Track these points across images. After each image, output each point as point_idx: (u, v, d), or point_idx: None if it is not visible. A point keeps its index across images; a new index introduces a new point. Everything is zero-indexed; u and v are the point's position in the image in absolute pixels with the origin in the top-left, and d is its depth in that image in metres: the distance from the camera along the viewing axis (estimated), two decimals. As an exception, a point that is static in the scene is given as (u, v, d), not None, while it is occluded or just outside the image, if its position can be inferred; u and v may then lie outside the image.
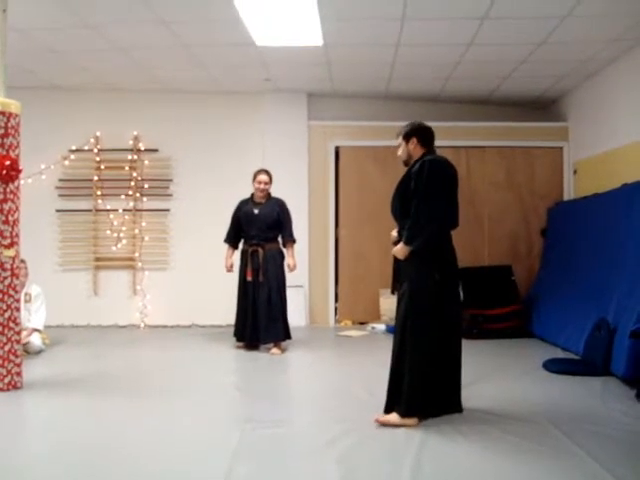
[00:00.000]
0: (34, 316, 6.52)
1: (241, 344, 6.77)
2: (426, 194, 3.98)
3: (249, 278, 6.58)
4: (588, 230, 7.00)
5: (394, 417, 3.95)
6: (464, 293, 7.49)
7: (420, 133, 4.26)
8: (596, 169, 7.58)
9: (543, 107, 9.01)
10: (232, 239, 6.89)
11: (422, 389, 3.97)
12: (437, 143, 8.77)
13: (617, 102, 7.02)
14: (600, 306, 5.98)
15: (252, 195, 6.79)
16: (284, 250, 6.73)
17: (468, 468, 3.30)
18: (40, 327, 6.55)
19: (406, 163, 4.31)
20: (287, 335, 6.64)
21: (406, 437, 3.75)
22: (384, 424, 3.93)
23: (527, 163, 8.57)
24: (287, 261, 6.68)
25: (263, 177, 6.69)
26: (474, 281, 7.77)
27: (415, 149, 4.26)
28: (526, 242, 8.53)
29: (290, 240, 6.71)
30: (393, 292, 4.36)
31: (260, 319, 6.50)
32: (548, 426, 3.94)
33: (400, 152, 4.34)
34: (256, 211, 6.65)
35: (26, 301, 6.39)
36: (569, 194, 8.41)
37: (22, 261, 5.91)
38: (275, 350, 6.49)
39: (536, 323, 7.42)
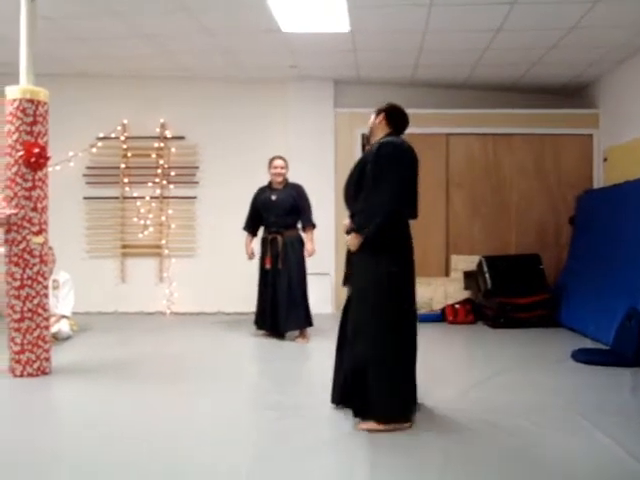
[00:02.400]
0: (62, 303, 6.58)
1: (262, 332, 6.78)
2: (378, 178, 3.71)
3: (268, 266, 6.56)
4: (618, 218, 6.88)
5: (373, 423, 3.66)
6: (492, 281, 7.59)
7: (390, 112, 3.99)
8: (627, 156, 7.45)
9: (573, 94, 8.86)
10: (250, 227, 6.88)
11: (397, 388, 3.70)
12: (465, 130, 8.76)
13: (649, 88, 6.89)
14: (630, 295, 5.89)
15: (270, 182, 6.79)
16: (304, 236, 6.70)
17: (495, 458, 3.27)
18: (68, 314, 6.61)
19: (367, 139, 4.10)
20: (308, 322, 6.59)
21: (431, 424, 3.73)
22: (372, 431, 3.62)
23: (556, 151, 8.45)
24: (306, 246, 6.65)
25: (279, 162, 6.69)
26: (502, 270, 7.73)
27: (379, 126, 3.98)
28: (554, 231, 8.43)
29: (309, 225, 6.68)
30: (344, 284, 4.06)
31: (281, 307, 6.48)
32: (577, 417, 3.88)
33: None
34: (273, 197, 6.64)
35: (54, 288, 6.44)
36: (598, 182, 8.29)
37: (49, 248, 5.95)
38: (300, 339, 6.49)
39: (565, 312, 7.33)
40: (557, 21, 6.17)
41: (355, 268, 3.90)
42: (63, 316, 6.53)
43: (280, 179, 6.69)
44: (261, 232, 6.87)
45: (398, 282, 3.75)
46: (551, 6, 5.78)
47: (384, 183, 3.70)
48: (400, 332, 3.74)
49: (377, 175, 3.73)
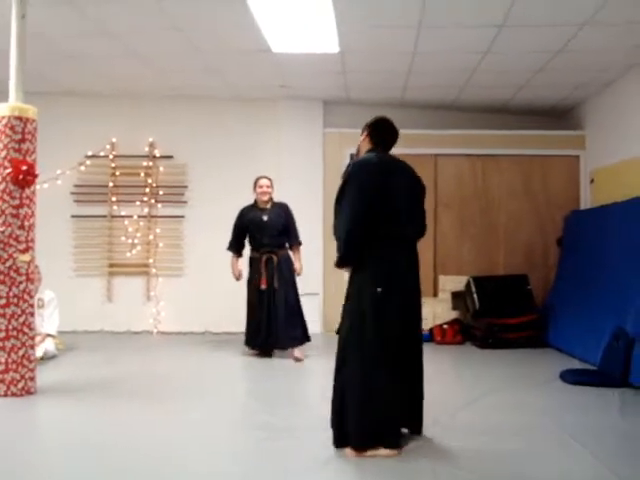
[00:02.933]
0: (47, 321, 6.52)
1: (254, 351, 6.75)
2: (339, 203, 3.73)
3: (263, 286, 6.53)
4: (605, 239, 6.92)
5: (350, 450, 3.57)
6: (480, 302, 7.59)
7: (372, 127, 3.95)
8: (613, 178, 7.51)
9: (560, 115, 8.95)
10: (236, 247, 6.85)
11: (374, 416, 3.55)
12: (454, 151, 8.77)
13: (635, 110, 6.94)
14: (618, 316, 5.90)
15: (255, 202, 6.79)
16: (291, 254, 6.74)
17: (485, 480, 3.25)
18: (53, 332, 6.55)
19: (357, 156, 4.02)
20: (307, 338, 6.66)
21: (419, 446, 3.70)
22: (359, 456, 3.53)
23: (543, 172, 8.51)
24: (295, 265, 6.69)
25: (264, 181, 6.71)
26: (490, 290, 7.75)
27: (363, 143, 3.96)
28: (542, 251, 8.46)
29: (297, 243, 6.75)
30: None
31: (279, 325, 6.48)
32: (566, 438, 3.88)
33: None
34: (265, 218, 6.63)
35: (39, 306, 6.36)
36: (586, 203, 8.34)
37: (35, 266, 5.89)
38: (298, 354, 6.48)
39: (552, 333, 7.34)
40: (544, 44, 6.23)
41: (347, 288, 3.86)
42: (48, 335, 6.46)
43: (266, 198, 6.70)
44: (246, 252, 6.86)
45: (383, 303, 3.62)
46: (538, 30, 5.84)
47: (343, 205, 3.69)
48: (384, 354, 3.61)
49: (340, 197, 3.73)
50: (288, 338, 6.51)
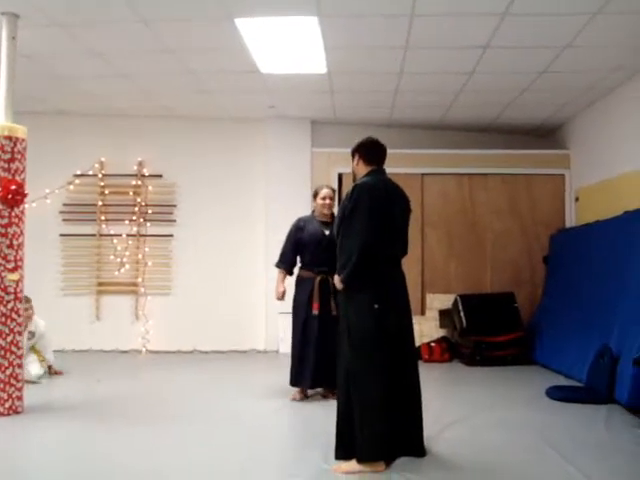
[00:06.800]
0: (49, 354, 6.63)
1: (301, 391, 5.68)
2: (349, 221, 3.80)
3: (316, 312, 5.58)
4: (590, 257, 7.00)
5: (353, 464, 3.59)
6: (467, 320, 7.63)
7: (362, 150, 4.04)
8: (598, 196, 7.60)
9: (545, 135, 9.06)
10: (289, 263, 5.87)
11: (378, 429, 3.61)
12: (440, 170, 8.83)
13: (619, 129, 7.05)
14: (603, 333, 5.96)
15: (313, 212, 5.98)
16: None
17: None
18: (53, 361, 6.69)
19: (354, 181, 4.05)
20: None
21: (406, 464, 3.70)
22: (348, 473, 3.55)
23: (529, 190, 8.60)
24: None
25: (327, 191, 5.82)
26: (477, 308, 7.78)
27: (358, 166, 4.05)
28: (528, 269, 8.52)
29: None
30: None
31: (330, 360, 5.16)
32: (553, 454, 3.89)
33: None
34: (327, 232, 5.68)
35: (28, 339, 6.30)
36: (571, 221, 8.43)
37: (27, 300, 5.89)
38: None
39: (539, 350, 7.39)
40: (527, 65, 6.34)
41: (341, 307, 3.94)
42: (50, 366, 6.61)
43: (328, 211, 5.82)
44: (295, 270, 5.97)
45: (382, 320, 3.71)
46: (521, 51, 5.94)
47: (354, 225, 3.77)
48: (384, 371, 3.69)
49: (348, 218, 3.81)
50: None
